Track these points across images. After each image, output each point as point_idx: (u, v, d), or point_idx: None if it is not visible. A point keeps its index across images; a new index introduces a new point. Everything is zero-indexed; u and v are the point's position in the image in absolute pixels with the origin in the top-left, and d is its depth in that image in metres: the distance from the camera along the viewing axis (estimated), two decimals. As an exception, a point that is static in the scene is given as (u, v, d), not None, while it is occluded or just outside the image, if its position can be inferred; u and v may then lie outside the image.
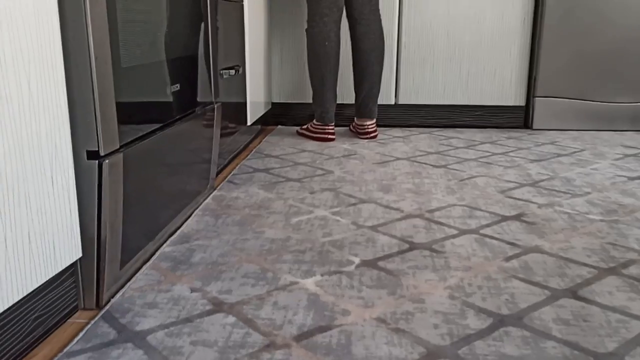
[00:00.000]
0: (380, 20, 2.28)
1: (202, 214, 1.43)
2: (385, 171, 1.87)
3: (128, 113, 1.00)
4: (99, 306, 0.97)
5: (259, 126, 2.58)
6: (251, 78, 2.15)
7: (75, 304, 0.95)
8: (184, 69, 1.29)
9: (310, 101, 2.65)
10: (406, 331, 0.89)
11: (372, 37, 2.25)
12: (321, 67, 2.23)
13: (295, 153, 2.13)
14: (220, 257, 1.16)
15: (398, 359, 0.81)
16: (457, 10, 2.53)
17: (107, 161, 0.91)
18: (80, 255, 0.91)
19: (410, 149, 2.19)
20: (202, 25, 1.43)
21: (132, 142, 1.03)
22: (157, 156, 1.15)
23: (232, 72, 1.75)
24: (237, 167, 1.91)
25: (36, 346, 0.85)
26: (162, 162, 1.18)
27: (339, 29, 2.23)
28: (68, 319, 0.93)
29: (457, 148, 2.22)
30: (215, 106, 1.55)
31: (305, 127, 2.45)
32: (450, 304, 0.97)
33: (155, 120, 1.13)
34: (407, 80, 2.61)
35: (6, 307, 0.74)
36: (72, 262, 0.89)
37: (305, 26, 2.31)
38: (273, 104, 2.70)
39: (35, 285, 0.80)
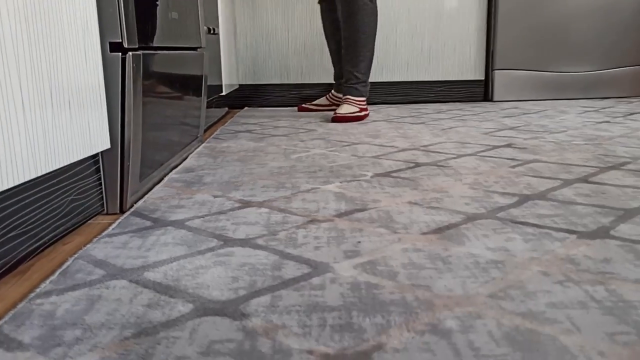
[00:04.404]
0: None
1: (198, 156, 1.41)
2: (367, 128, 1.89)
3: (144, 19, 0.98)
4: (122, 211, 0.94)
5: (226, 108, 2.57)
6: (225, 47, 2.15)
7: (100, 203, 0.91)
8: (181, 5, 1.28)
9: (278, 82, 2.66)
10: (440, 207, 0.90)
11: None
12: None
13: (273, 121, 2.13)
14: (233, 178, 1.15)
15: (442, 221, 0.82)
16: (417, -12, 2.62)
17: (130, 54, 0.90)
18: (108, 146, 0.88)
19: (384, 116, 2.23)
20: (191, -32, 1.43)
21: (148, 48, 1.01)
22: (165, 76, 1.13)
23: (212, 31, 1.74)
24: (217, 130, 1.89)
25: (72, 231, 0.81)
26: (169, 84, 1.16)
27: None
28: (91, 219, 0.89)
29: (428, 114, 2.28)
30: (203, 52, 1.54)
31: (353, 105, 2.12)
32: (474, 192, 1.00)
33: (163, 36, 1.11)
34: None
35: (50, 169, 0.71)
36: (103, 149, 0.86)
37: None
38: (240, 85, 2.70)
39: (75, 159, 0.77)
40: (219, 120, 2.27)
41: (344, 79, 2.12)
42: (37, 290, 0.60)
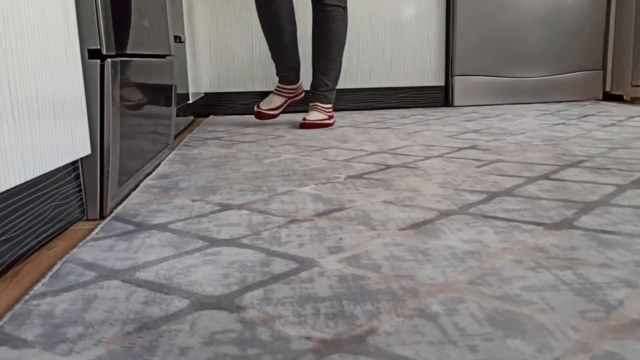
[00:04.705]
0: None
1: (171, 163, 1.42)
2: (335, 133, 1.93)
3: (119, 26, 1.00)
4: (102, 216, 0.95)
5: (191, 117, 2.58)
6: (190, 55, 2.16)
7: (81, 209, 0.92)
8: (151, 12, 1.30)
9: (242, 90, 2.68)
10: (414, 205, 0.94)
11: None
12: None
13: (240, 128, 2.15)
14: (208, 183, 1.17)
15: (417, 218, 0.86)
16: (377, -3, 2.68)
17: (108, 61, 0.91)
18: (89, 152, 0.89)
19: (349, 122, 2.28)
20: (159, -23, 1.44)
21: (123, 55, 1.02)
22: (139, 83, 1.14)
23: (178, 39, 1.76)
24: (186, 138, 1.90)
25: (55, 237, 0.82)
26: (143, 91, 1.18)
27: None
28: (73, 225, 0.90)
29: (393, 119, 2.34)
30: (173, 60, 1.55)
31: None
32: (444, 191, 1.04)
33: (136, 43, 1.13)
34: (335, 66, 2.71)
35: (32, 176, 0.72)
36: (85, 154, 0.87)
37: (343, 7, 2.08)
38: (205, 93, 2.71)
39: (59, 164, 0.78)
40: (185, 128, 2.27)
41: (313, 86, 2.14)
42: (31, 292, 0.61)
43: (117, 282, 0.64)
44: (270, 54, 2.14)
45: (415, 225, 0.82)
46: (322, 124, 2.09)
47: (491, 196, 0.99)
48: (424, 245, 0.73)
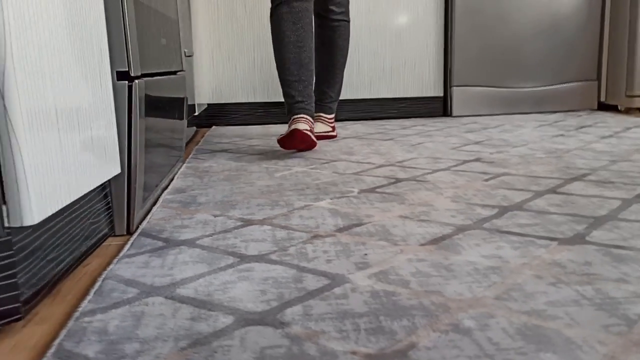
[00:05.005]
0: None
1: (184, 177, 1.45)
2: (340, 145, 1.97)
3: (143, 46, 1.03)
4: (129, 232, 0.98)
5: (194, 128, 2.61)
6: (196, 68, 2.19)
7: (110, 225, 0.95)
8: (167, 28, 1.33)
9: (244, 101, 2.72)
10: (430, 220, 0.98)
11: None
12: None
13: (245, 140, 2.18)
14: (226, 198, 1.20)
15: (435, 233, 0.90)
16: (377, 8, 2.73)
17: (136, 82, 0.94)
18: (119, 170, 0.92)
19: (352, 133, 2.32)
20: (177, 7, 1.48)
21: (147, 75, 1.06)
22: (158, 100, 1.18)
23: (186, 54, 1.79)
24: (193, 150, 1.93)
25: (90, 253, 0.85)
26: (161, 107, 1.21)
27: None
28: (103, 241, 0.93)
29: (394, 130, 2.38)
30: (184, 75, 1.58)
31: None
32: (456, 205, 1.08)
33: (156, 62, 1.16)
34: (335, 77, 2.76)
35: (77, 197, 0.75)
36: (116, 173, 0.90)
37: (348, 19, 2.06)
38: (208, 104, 2.74)
39: (97, 184, 0.81)
40: (190, 139, 2.30)
41: (317, 97, 2.14)
42: (79, 309, 0.64)
43: (161, 299, 0.67)
44: (281, 81, 1.80)
45: (435, 241, 0.86)
46: (327, 135, 2.12)
47: (503, 211, 1.03)
48: (446, 261, 0.77)
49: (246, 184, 1.33)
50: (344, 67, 2.13)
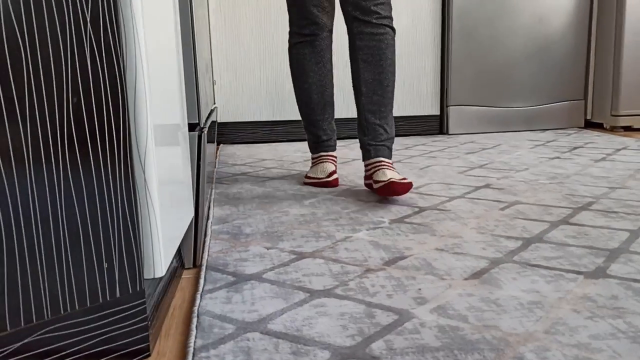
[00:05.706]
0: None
1: (220, 205, 1.55)
2: (354, 169, 2.09)
3: (200, 97, 1.14)
4: (195, 264, 1.08)
5: (204, 145, 2.70)
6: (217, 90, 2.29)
7: (179, 258, 1.05)
8: (209, 71, 1.43)
9: (250, 120, 2.82)
10: (464, 253, 1.10)
11: None
12: None
13: (259, 161, 2.29)
14: (269, 228, 1.31)
15: (473, 267, 1.02)
16: (378, 33, 2.86)
17: (204, 132, 1.05)
18: (193, 214, 1.02)
19: (357, 154, 2.44)
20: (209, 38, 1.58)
21: (203, 127, 1.16)
22: (210, 138, 1.28)
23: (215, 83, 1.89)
24: (214, 173, 2.03)
25: (170, 286, 0.95)
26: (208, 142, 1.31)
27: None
28: (175, 275, 1.03)
29: (398, 150, 2.51)
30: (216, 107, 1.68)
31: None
32: (483, 237, 1.20)
33: (207, 106, 1.27)
34: (337, 96, 2.88)
35: (179, 243, 0.85)
36: (192, 215, 1.00)
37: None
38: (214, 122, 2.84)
39: (185, 229, 0.91)
40: (204, 159, 2.40)
41: (370, 136, 1.63)
42: (191, 345, 0.75)
43: (257, 334, 0.77)
44: (304, 120, 1.83)
45: (476, 275, 0.98)
46: (410, 183, 1.52)
47: (526, 243, 1.15)
48: (492, 296, 0.89)
49: (281, 214, 1.44)
50: (394, 88, 1.65)
